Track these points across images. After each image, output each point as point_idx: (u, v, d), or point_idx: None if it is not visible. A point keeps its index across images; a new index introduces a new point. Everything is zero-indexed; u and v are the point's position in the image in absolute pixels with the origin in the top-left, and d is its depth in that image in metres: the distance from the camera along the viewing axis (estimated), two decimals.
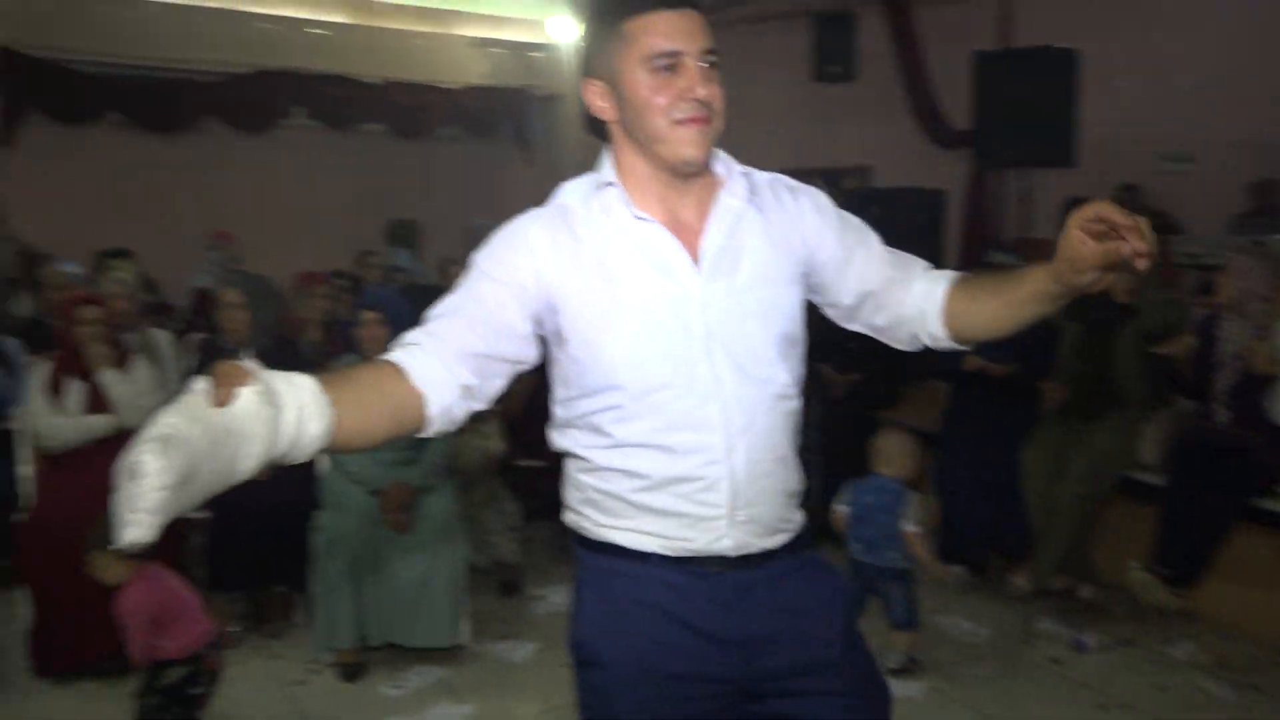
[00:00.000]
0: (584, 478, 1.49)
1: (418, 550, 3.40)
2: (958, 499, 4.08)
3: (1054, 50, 5.88)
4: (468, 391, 1.37)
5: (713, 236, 1.45)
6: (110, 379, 3.55)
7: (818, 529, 4.43)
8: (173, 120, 9.94)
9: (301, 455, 1.21)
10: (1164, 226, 6.65)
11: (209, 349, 4.02)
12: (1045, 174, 6.44)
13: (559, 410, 1.51)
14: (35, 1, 9.19)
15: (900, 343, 1.61)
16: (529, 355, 1.44)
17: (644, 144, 1.42)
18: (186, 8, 9.78)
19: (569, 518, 1.54)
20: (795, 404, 1.51)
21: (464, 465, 4.00)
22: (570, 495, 1.53)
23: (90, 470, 3.48)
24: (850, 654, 1.50)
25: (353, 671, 3.37)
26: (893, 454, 3.37)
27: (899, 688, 3.17)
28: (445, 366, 1.35)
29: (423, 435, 1.36)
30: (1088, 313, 3.96)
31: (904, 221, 6.08)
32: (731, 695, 1.45)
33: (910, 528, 3.26)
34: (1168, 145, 6.93)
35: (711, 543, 1.43)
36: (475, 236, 1.64)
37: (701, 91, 1.38)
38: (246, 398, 1.12)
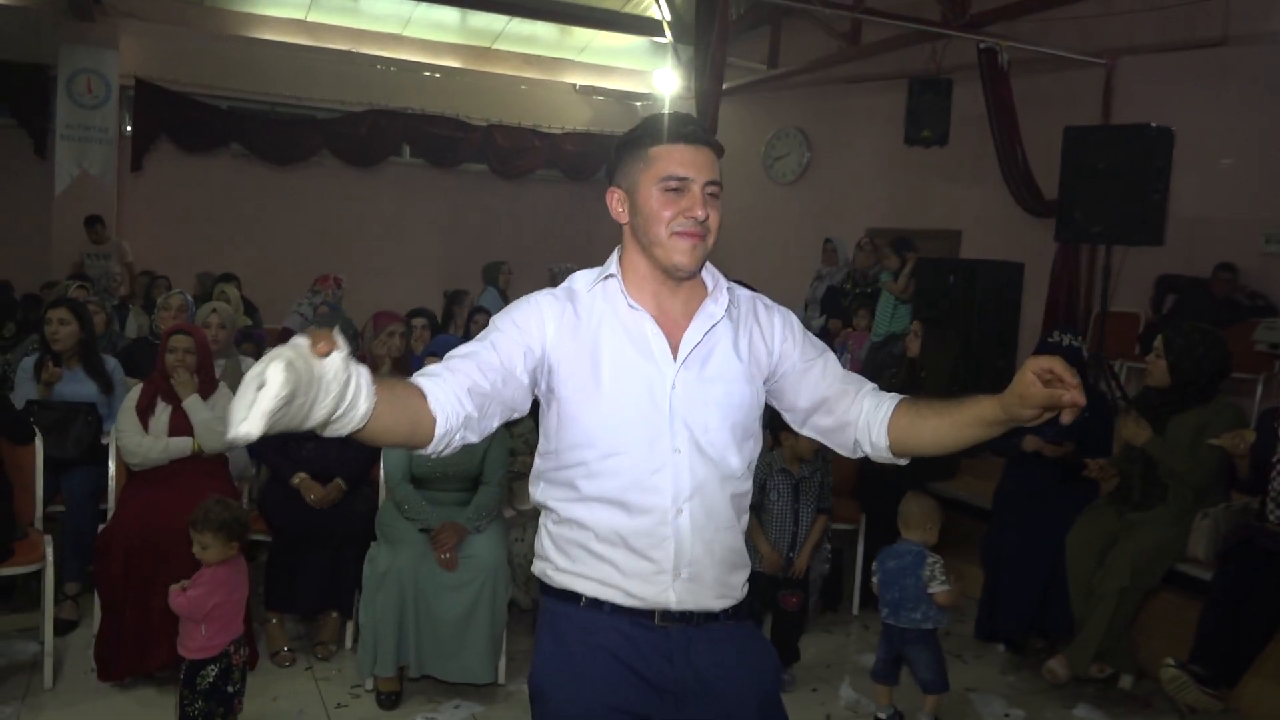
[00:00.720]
0: (553, 527, 1.72)
1: (463, 588, 3.54)
2: (1003, 576, 4.05)
3: (1149, 128, 5.81)
4: (469, 422, 1.54)
5: (692, 334, 1.68)
6: (193, 405, 3.82)
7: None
8: (289, 153, 10.49)
9: (344, 428, 1.33)
10: (1264, 309, 6.48)
11: None
12: (1137, 251, 6.35)
13: (538, 461, 1.74)
14: (169, 38, 9.84)
15: (843, 448, 1.78)
16: (523, 405, 1.66)
17: (646, 247, 1.67)
18: (310, 49, 10.35)
19: (537, 566, 1.75)
20: (745, 486, 1.72)
21: (515, 508, 4.15)
22: (540, 544, 1.75)
23: (166, 487, 3.75)
24: (767, 716, 1.71)
25: (391, 699, 3.52)
26: (917, 518, 3.45)
27: None
28: (457, 398, 1.53)
29: (422, 452, 1.53)
30: (1147, 400, 3.92)
31: (982, 292, 6.07)
32: (652, 701, 1.64)
33: (937, 588, 3.33)
34: (1269, 226, 6.76)
35: (658, 595, 1.63)
36: (556, 279, 1.88)
37: (700, 213, 1.63)
38: (336, 356, 1.28)
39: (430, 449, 1.51)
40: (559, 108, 11.69)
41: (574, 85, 11.72)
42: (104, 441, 4.14)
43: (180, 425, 3.83)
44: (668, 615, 1.64)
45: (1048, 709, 3.73)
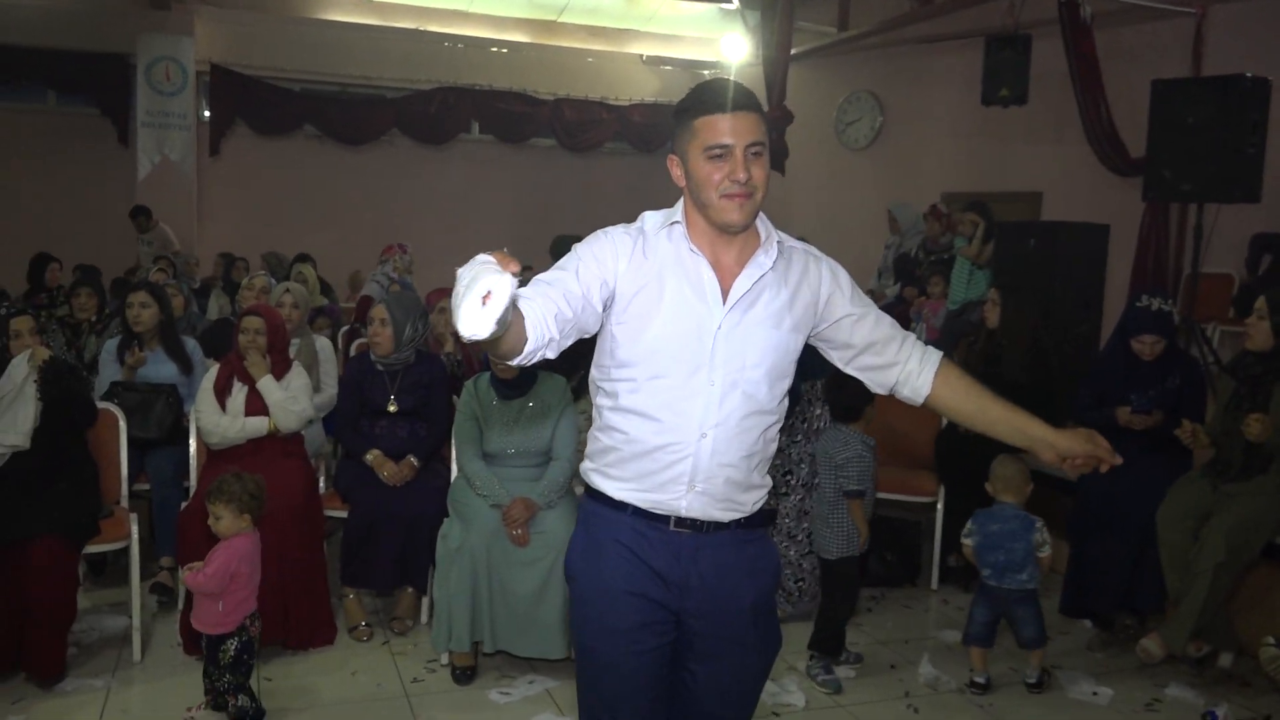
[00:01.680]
0: (596, 431, 1.94)
1: (535, 564, 3.54)
2: (1090, 550, 3.91)
3: (1243, 78, 5.51)
4: (551, 343, 1.74)
5: (742, 281, 1.85)
6: (266, 385, 3.87)
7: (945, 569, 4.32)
8: (362, 133, 10.61)
9: (499, 330, 1.47)
10: None
11: (359, 361, 4.29)
12: (1230, 209, 6.05)
13: (594, 372, 1.94)
14: (242, 23, 10.00)
15: (878, 386, 2.00)
16: (594, 328, 1.84)
17: (700, 207, 1.84)
18: (380, 29, 10.42)
19: (583, 466, 1.99)
20: (771, 419, 1.90)
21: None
22: (589, 448, 1.97)
23: (245, 466, 3.80)
24: (756, 617, 1.93)
25: (466, 674, 3.55)
26: (1015, 481, 3.55)
27: None
28: (545, 321, 1.72)
29: (511, 362, 1.72)
30: (1246, 367, 3.73)
31: (1064, 256, 5.85)
32: (667, 618, 1.90)
33: (1045, 552, 3.46)
34: None
35: (671, 502, 1.86)
36: None
37: (742, 175, 1.77)
38: (513, 275, 1.45)
39: (517, 360, 1.72)
40: (626, 79, 11.61)
41: (641, 56, 11.61)
42: (185, 422, 4.23)
43: (257, 405, 3.89)
44: (680, 521, 1.87)
45: (1138, 688, 3.60)
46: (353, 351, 5.42)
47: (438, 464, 4.14)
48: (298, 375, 4.03)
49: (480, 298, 1.40)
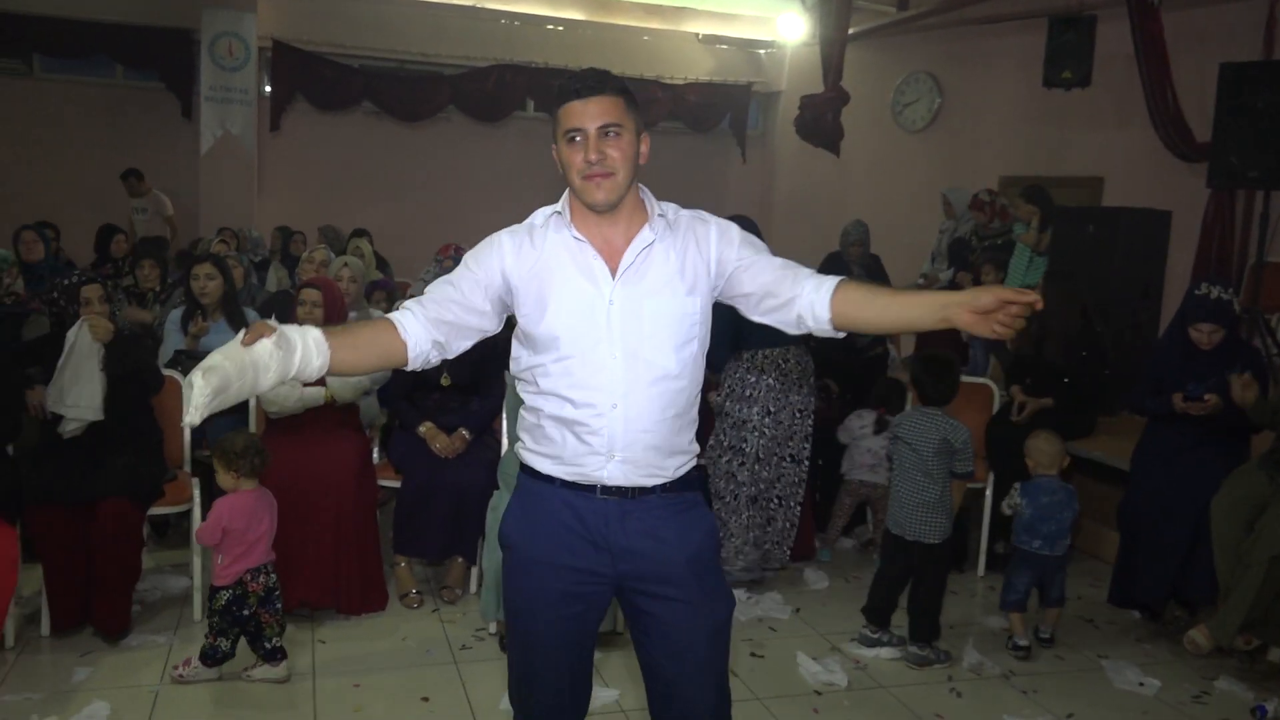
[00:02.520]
0: (523, 413, 2.06)
1: None
2: (1141, 540, 3.87)
3: None
4: (438, 345, 1.97)
5: (628, 257, 1.96)
6: None
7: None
8: (418, 110, 10.67)
9: (311, 376, 1.87)
10: None
11: None
12: None
13: (512, 365, 2.06)
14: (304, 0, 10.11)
15: (788, 325, 2.01)
16: (490, 327, 2.02)
17: (573, 192, 1.96)
18: (437, 5, 10.46)
19: (517, 446, 2.11)
20: (681, 384, 1.98)
21: None
22: (518, 428, 2.09)
23: (303, 434, 3.92)
24: (696, 573, 1.99)
25: None
26: (1054, 456, 3.77)
27: None
28: (424, 327, 1.95)
29: (404, 369, 1.99)
30: None
31: (1123, 243, 5.76)
32: (604, 586, 2.01)
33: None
34: None
35: (594, 472, 1.95)
36: None
37: (593, 156, 1.87)
38: (263, 344, 1.77)
39: (409, 366, 1.97)
40: (681, 58, 11.55)
41: (696, 34, 11.54)
42: None
43: None
44: (606, 489, 1.96)
45: (1186, 680, 3.57)
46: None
47: (488, 437, 4.21)
48: None
49: (189, 391, 1.72)
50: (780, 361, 4.03)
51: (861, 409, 4.81)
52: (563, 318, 1.92)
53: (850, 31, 10.10)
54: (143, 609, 3.78)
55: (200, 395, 1.70)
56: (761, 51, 11.80)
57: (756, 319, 2.05)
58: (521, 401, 2.07)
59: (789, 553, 4.31)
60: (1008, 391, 4.82)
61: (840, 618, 4.01)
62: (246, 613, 3.26)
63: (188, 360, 4.36)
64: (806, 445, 4.16)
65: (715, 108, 11.63)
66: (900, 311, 1.91)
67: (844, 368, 5.14)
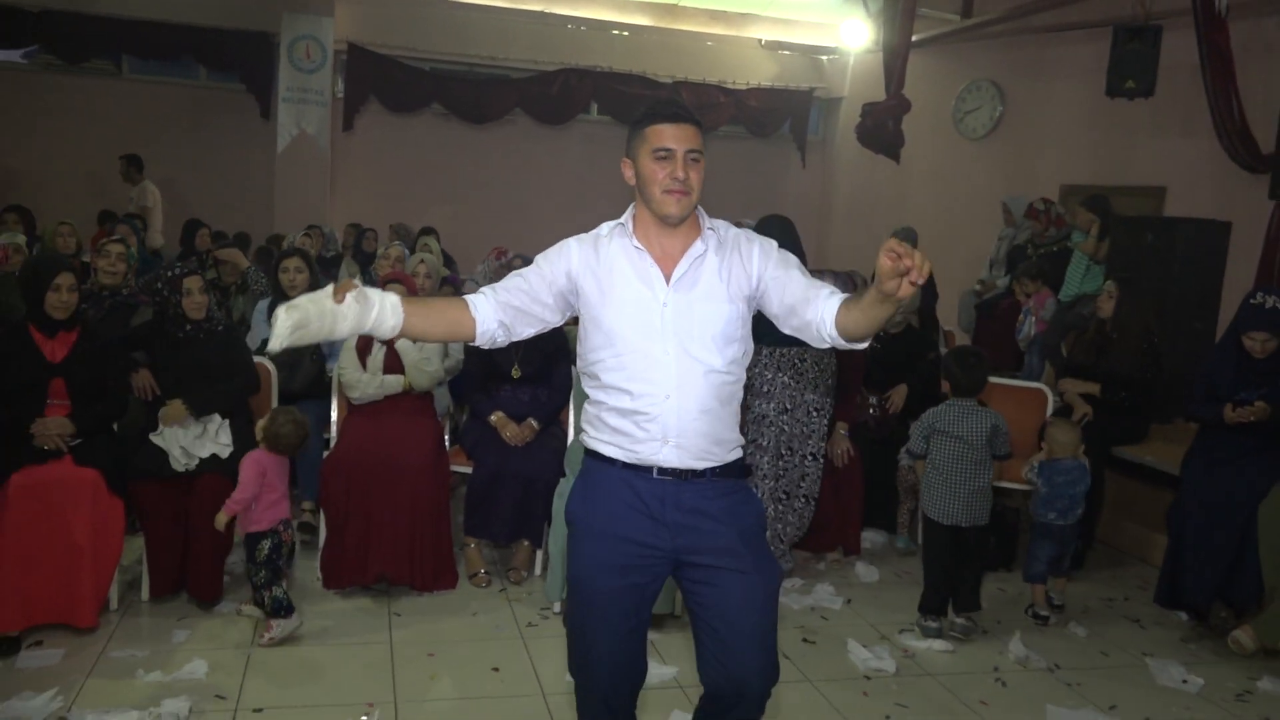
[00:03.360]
0: (586, 405, 2.30)
1: None
2: (1189, 542, 3.95)
3: None
4: (504, 327, 2.22)
5: (681, 266, 2.20)
6: (404, 347, 4.19)
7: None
8: (486, 112, 10.96)
9: (385, 334, 2.12)
10: None
11: None
12: None
13: (578, 362, 2.31)
14: (380, 4, 10.45)
15: (813, 341, 2.19)
16: (552, 319, 2.28)
17: (645, 202, 2.21)
18: (506, 10, 10.74)
19: (581, 435, 2.34)
20: (728, 379, 2.21)
21: None
22: (583, 419, 2.33)
23: (381, 420, 4.16)
24: (748, 544, 2.21)
25: None
26: (1069, 441, 4.13)
27: (1082, 717, 3.21)
28: (493, 309, 2.21)
29: (473, 343, 2.23)
30: None
31: (1182, 253, 5.80)
32: (660, 559, 2.23)
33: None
34: None
35: (652, 455, 2.18)
36: None
37: (680, 174, 2.13)
38: (348, 298, 2.02)
39: (477, 342, 2.22)
40: (744, 63, 11.69)
41: (759, 40, 11.67)
42: (327, 378, 4.61)
43: (393, 364, 4.22)
44: (662, 470, 2.18)
45: (1229, 678, 3.65)
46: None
47: (556, 427, 4.42)
48: None
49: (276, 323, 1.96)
50: (797, 361, 4.15)
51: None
52: (622, 317, 2.18)
53: (913, 39, 10.18)
54: (231, 580, 4.04)
55: (282, 327, 1.94)
56: (824, 58, 11.90)
57: (787, 332, 2.24)
58: (587, 396, 2.29)
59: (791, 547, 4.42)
60: (1060, 395, 4.91)
61: (890, 609, 4.14)
62: (281, 562, 3.63)
63: None
64: (823, 444, 4.28)
65: (777, 113, 11.76)
66: (868, 311, 2.02)
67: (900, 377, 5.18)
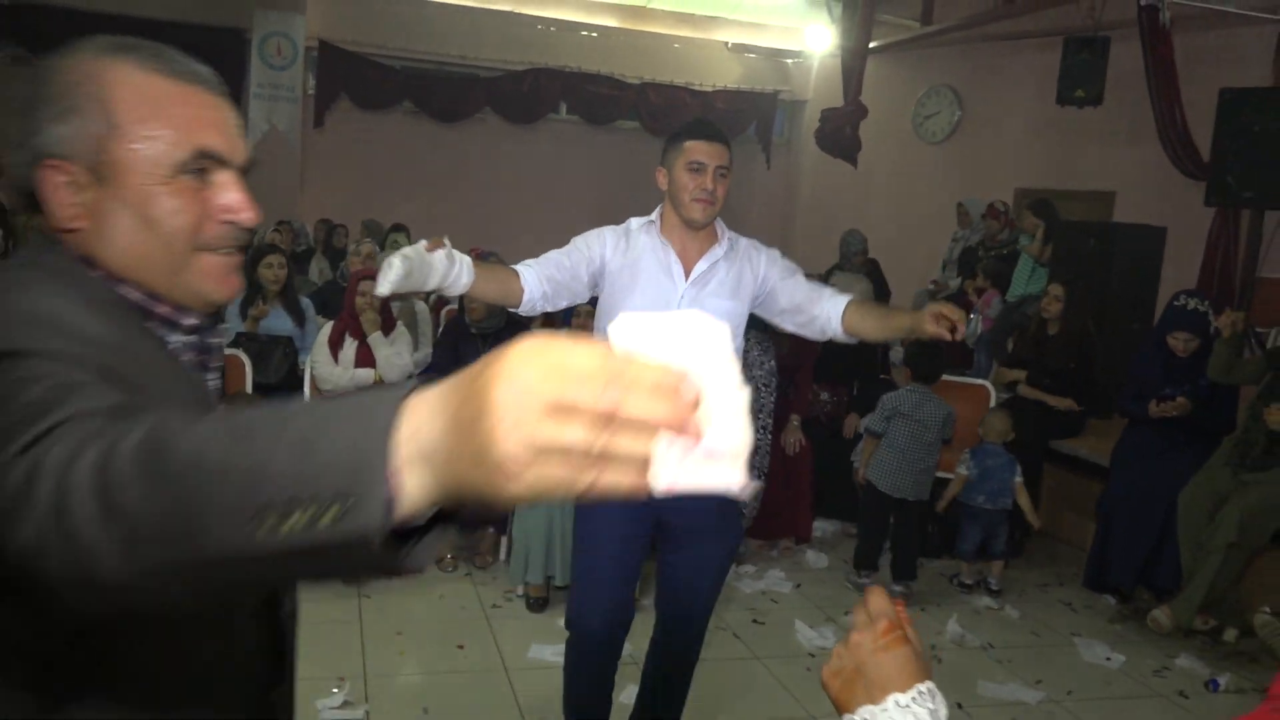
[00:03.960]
0: None
1: None
2: (1115, 530, 4.22)
3: None
4: (545, 297, 2.45)
5: (700, 265, 2.52)
6: (376, 341, 4.37)
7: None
8: (456, 111, 11.09)
9: (458, 290, 2.30)
10: None
11: (455, 324, 4.77)
12: None
13: (596, 332, 2.43)
14: (351, 2, 10.56)
15: (813, 335, 2.61)
16: (582, 294, 2.54)
17: (675, 206, 2.51)
18: (476, 10, 10.89)
19: None
20: None
21: None
22: None
23: None
24: (723, 512, 2.57)
25: (539, 604, 4.01)
26: (1001, 427, 4.52)
27: (1009, 691, 3.45)
28: (538, 280, 2.44)
29: (517, 310, 2.48)
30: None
31: (1119, 256, 6.08)
32: (648, 515, 2.55)
33: (1019, 479, 4.45)
34: None
35: None
36: None
37: (709, 185, 2.45)
38: (440, 251, 2.22)
39: (521, 308, 2.45)
40: (711, 65, 11.89)
41: (726, 43, 11.88)
42: (299, 370, 4.76)
43: (365, 358, 4.39)
44: None
45: (1150, 656, 3.91)
46: (443, 316, 5.91)
47: None
48: (401, 332, 4.53)
49: (387, 268, 2.10)
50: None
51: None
52: (644, 302, 2.46)
53: (874, 45, 10.44)
54: None
55: (395, 272, 2.10)
56: (789, 61, 12.14)
57: (788, 329, 2.64)
58: None
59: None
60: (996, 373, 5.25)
61: (837, 592, 4.37)
62: None
63: (248, 342, 4.77)
64: (771, 419, 4.53)
65: (742, 114, 11.98)
66: (888, 326, 2.58)
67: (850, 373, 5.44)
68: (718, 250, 2.53)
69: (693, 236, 2.52)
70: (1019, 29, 9.30)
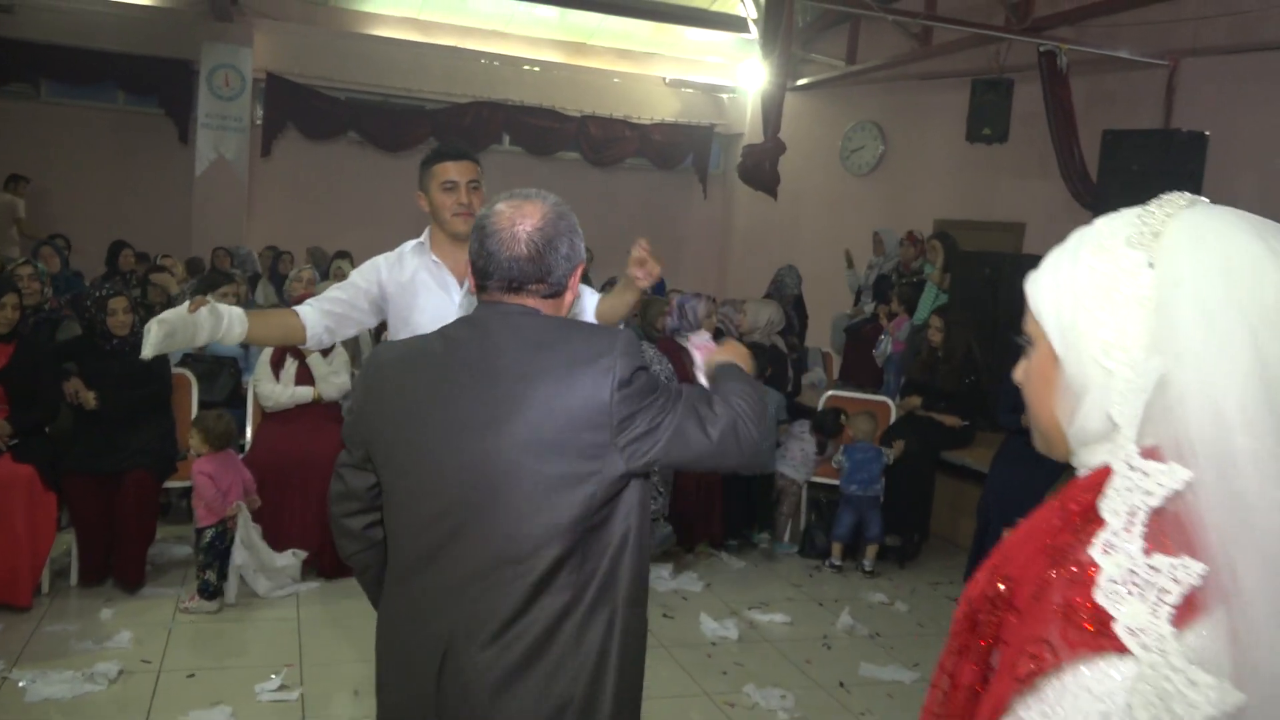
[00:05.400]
0: None
1: None
2: (991, 528, 4.64)
3: (1180, 133, 6.24)
4: (329, 330, 2.62)
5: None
6: (314, 361, 4.69)
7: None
8: (400, 141, 11.43)
9: (234, 340, 2.46)
10: None
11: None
12: None
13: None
14: (297, 35, 10.88)
15: None
16: (368, 322, 2.73)
17: (440, 224, 2.69)
18: (421, 44, 11.26)
19: None
20: None
21: None
22: None
23: (293, 426, 4.64)
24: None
25: None
26: (867, 428, 5.27)
27: (888, 672, 3.83)
28: (318, 316, 2.60)
29: (303, 346, 2.72)
30: None
31: (1007, 283, 6.57)
32: None
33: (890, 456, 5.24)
34: None
35: None
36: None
37: (465, 199, 2.63)
38: (202, 310, 2.36)
39: (308, 343, 2.63)
40: (649, 99, 12.36)
41: (663, 78, 12.36)
42: (243, 389, 5.06)
43: (304, 377, 4.72)
44: None
45: None
46: (383, 338, 6.24)
47: None
48: (339, 353, 4.85)
49: (147, 333, 2.29)
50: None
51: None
52: (425, 317, 2.59)
53: (804, 82, 11.00)
54: (153, 569, 4.46)
55: (155, 336, 2.28)
56: (724, 96, 12.65)
57: None
58: None
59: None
60: (901, 401, 5.65)
61: (745, 591, 4.76)
62: (225, 545, 4.09)
63: (195, 363, 5.07)
64: None
65: (679, 147, 12.47)
66: (620, 298, 2.64)
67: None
68: None
69: (461, 248, 2.56)
70: (935, 69, 9.89)
